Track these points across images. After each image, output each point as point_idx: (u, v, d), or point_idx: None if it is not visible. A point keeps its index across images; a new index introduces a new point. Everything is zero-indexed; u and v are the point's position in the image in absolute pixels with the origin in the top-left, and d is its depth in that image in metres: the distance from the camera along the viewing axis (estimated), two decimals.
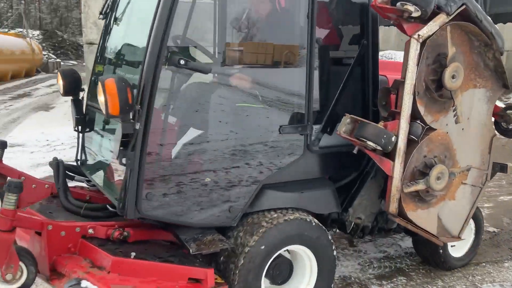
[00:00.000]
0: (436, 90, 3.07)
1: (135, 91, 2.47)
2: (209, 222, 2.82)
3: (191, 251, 2.59)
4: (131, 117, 2.41)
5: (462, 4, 3.00)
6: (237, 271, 2.75)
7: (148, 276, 2.55)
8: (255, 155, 2.94)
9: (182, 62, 2.52)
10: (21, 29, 29.86)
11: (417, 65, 2.92)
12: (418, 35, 2.88)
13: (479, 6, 3.14)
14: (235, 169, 2.88)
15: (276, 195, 2.99)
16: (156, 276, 2.57)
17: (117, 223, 2.76)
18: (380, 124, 2.96)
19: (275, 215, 2.90)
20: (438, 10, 2.92)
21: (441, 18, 2.95)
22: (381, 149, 2.90)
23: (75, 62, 31.45)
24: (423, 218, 3.33)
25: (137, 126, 2.44)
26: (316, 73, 3.03)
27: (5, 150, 3.20)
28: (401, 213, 3.19)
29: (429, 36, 2.92)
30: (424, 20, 2.90)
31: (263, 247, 2.80)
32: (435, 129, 3.19)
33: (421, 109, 3.07)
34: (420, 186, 3.15)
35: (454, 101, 3.14)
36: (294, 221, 2.91)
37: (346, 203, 3.32)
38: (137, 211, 2.57)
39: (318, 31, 2.99)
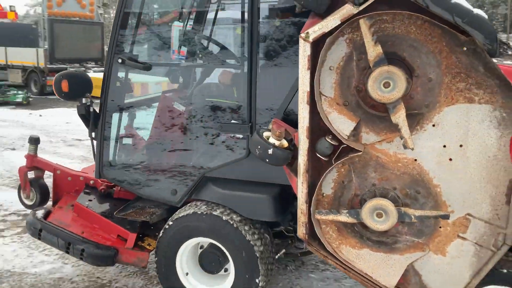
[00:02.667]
0: (370, 102, 2.34)
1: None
2: (155, 197, 3.28)
3: (114, 213, 3.20)
4: (83, 102, 3.20)
5: None
6: (158, 244, 3.15)
7: (93, 223, 3.35)
8: (202, 148, 3.13)
9: (119, 61, 3.07)
10: None
11: (309, 69, 2.33)
12: (307, 33, 2.28)
13: None
14: (181, 157, 3.19)
15: (211, 189, 3.08)
16: (97, 225, 3.33)
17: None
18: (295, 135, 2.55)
19: (196, 207, 3.04)
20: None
21: (345, 10, 2.21)
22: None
23: None
24: (371, 262, 2.60)
25: (91, 109, 3.21)
26: (260, 73, 2.85)
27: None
28: (330, 245, 2.63)
29: (328, 33, 2.26)
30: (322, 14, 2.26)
31: (174, 230, 3.05)
32: (388, 152, 2.41)
33: (347, 123, 2.41)
34: (342, 217, 2.52)
35: (391, 118, 2.27)
36: (204, 216, 2.96)
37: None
38: (100, 173, 3.36)
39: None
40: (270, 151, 2.49)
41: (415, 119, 2.35)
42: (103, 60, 18.76)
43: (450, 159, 2.35)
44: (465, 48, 2.19)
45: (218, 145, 3.10)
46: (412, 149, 2.37)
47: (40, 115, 11.93)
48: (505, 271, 2.55)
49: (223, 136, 3.08)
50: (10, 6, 20.40)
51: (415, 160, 2.41)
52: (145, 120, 3.50)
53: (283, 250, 3.35)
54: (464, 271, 2.48)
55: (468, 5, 2.09)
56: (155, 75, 3.54)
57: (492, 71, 2.18)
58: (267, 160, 2.52)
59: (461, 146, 2.32)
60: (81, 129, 6.42)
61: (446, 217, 2.40)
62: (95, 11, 19.48)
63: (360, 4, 2.17)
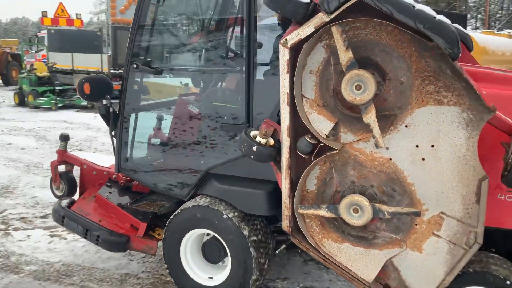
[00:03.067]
0: (347, 104, 2.49)
1: None
2: (166, 191, 3.56)
3: (128, 204, 3.52)
4: (104, 103, 3.55)
5: None
6: (164, 233, 3.42)
7: (110, 212, 3.68)
8: (207, 147, 3.39)
9: (134, 66, 3.40)
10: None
11: (288, 72, 2.51)
12: (285, 39, 2.47)
13: None
14: (188, 156, 3.46)
15: (213, 184, 3.32)
16: (114, 215, 3.66)
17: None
18: None
19: (198, 200, 3.29)
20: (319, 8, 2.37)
21: (318, 18, 2.37)
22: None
23: None
24: (351, 256, 2.74)
25: (111, 110, 3.56)
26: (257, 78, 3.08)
27: None
28: (313, 238, 2.79)
29: (304, 40, 2.44)
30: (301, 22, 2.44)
31: (180, 221, 3.32)
32: (366, 152, 2.56)
33: (326, 123, 2.57)
34: (321, 212, 2.67)
35: (363, 118, 2.41)
36: (202, 207, 3.21)
37: None
38: (119, 168, 3.70)
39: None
40: (254, 148, 2.70)
41: (389, 120, 2.48)
42: None
43: (423, 159, 2.46)
44: (428, 53, 2.31)
45: (219, 144, 3.34)
46: (387, 148, 2.50)
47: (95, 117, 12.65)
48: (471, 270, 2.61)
49: (225, 136, 3.32)
50: (77, 14, 21.71)
51: (390, 159, 2.54)
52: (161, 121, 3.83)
53: (284, 246, 3.52)
54: (439, 268, 2.56)
55: (431, 12, 2.21)
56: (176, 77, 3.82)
57: (458, 75, 2.28)
58: (252, 156, 2.73)
59: (432, 146, 2.43)
60: None
61: (417, 214, 2.50)
62: None
63: (332, 12, 2.35)
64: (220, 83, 3.96)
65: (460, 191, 2.41)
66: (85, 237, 3.60)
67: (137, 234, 3.50)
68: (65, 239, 4.53)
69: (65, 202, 3.81)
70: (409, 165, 2.50)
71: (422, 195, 2.51)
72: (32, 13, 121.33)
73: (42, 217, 5.09)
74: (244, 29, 3.04)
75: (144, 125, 3.76)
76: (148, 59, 3.49)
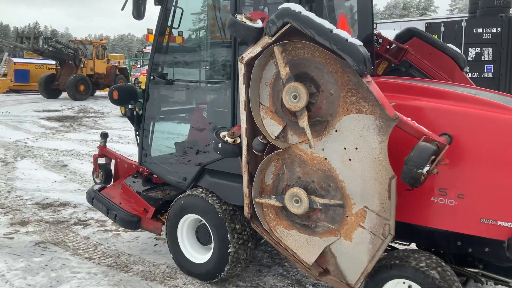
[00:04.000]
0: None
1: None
2: (174, 183, 4.25)
3: (141, 191, 4.27)
4: (129, 107, 4.35)
5: (285, 24, 2.78)
6: (167, 215, 4.10)
7: (130, 197, 4.45)
8: (204, 146, 4.04)
9: (151, 77, 4.16)
10: None
11: (244, 83, 3.06)
12: (241, 57, 3.03)
13: (315, 21, 2.69)
14: (189, 154, 4.13)
15: (206, 178, 3.94)
16: (132, 199, 4.42)
17: None
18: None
19: (192, 190, 3.93)
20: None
21: (264, 40, 2.91)
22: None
23: None
24: (297, 241, 3.20)
25: (134, 113, 4.35)
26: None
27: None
28: (268, 224, 3.29)
29: (255, 57, 2.98)
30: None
31: (176, 207, 3.98)
32: (307, 152, 3.03)
33: (276, 126, 3.08)
34: (272, 201, 3.18)
35: (299, 123, 2.89)
36: (193, 196, 3.83)
37: None
38: (140, 162, 4.47)
39: None
40: (219, 145, 3.29)
41: (323, 125, 2.94)
42: None
43: (350, 159, 2.88)
44: (351, 69, 2.75)
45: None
46: (323, 149, 2.96)
47: None
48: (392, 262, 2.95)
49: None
50: (179, 32, 23.86)
51: (326, 159, 2.98)
52: (173, 124, 4.57)
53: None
54: (363, 256, 2.94)
55: (345, 35, 2.67)
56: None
57: (366, 88, 2.70)
58: (218, 152, 3.33)
59: (356, 148, 2.84)
60: None
61: (341, 206, 2.93)
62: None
63: (273, 36, 2.89)
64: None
65: (377, 188, 2.80)
66: (106, 215, 4.41)
67: (146, 216, 4.22)
68: None
69: (96, 187, 4.67)
70: (340, 165, 2.93)
71: (351, 191, 2.92)
72: (137, 30, 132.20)
73: None
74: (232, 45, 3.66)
75: (161, 128, 4.51)
76: (164, 72, 4.24)
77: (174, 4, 4.16)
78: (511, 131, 2.75)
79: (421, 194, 3.03)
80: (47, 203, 6.18)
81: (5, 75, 27.31)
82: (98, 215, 5.56)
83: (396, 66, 4.52)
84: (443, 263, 2.96)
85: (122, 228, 5.03)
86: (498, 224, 2.82)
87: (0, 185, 6.92)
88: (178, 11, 4.18)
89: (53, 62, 24.30)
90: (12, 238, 4.95)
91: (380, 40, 4.51)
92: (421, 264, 2.89)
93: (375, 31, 4.54)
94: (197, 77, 4.46)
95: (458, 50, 4.30)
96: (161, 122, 4.53)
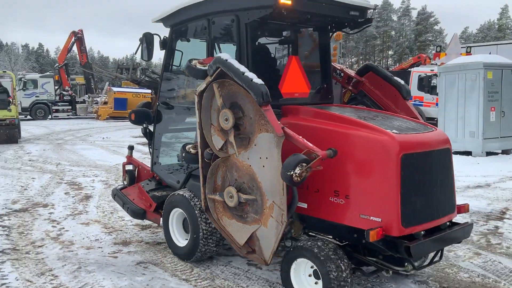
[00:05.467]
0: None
1: None
2: (172, 185, 5.47)
3: (148, 190, 5.55)
4: (144, 126, 5.68)
5: (217, 68, 3.90)
6: (162, 209, 5.33)
7: (141, 195, 5.74)
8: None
9: (158, 103, 5.47)
10: None
11: (198, 109, 4.20)
12: (195, 90, 4.18)
13: (234, 66, 3.78)
14: (182, 163, 5.36)
15: (190, 181, 5.11)
16: (143, 197, 5.72)
17: None
18: None
19: (179, 191, 5.12)
20: None
21: (207, 79, 4.04)
22: None
23: None
24: (234, 228, 4.27)
25: (147, 130, 5.68)
26: None
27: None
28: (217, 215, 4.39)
29: (203, 91, 4.12)
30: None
31: (168, 202, 5.19)
32: (239, 160, 4.11)
33: (219, 141, 4.18)
34: (217, 197, 4.27)
35: (229, 139, 3.98)
36: (178, 194, 5.01)
37: None
38: (151, 169, 5.78)
39: None
40: (183, 154, 4.48)
41: (247, 140, 4.00)
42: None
43: (263, 166, 3.91)
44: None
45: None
46: (248, 158, 4.01)
47: None
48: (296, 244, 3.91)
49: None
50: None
51: (250, 165, 4.04)
52: (174, 139, 5.84)
53: None
54: (272, 238, 3.93)
55: (251, 76, 3.75)
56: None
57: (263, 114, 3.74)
58: (183, 160, 4.51)
59: (266, 158, 3.87)
60: None
61: (253, 200, 3.95)
62: (337, 62, 21.73)
63: (212, 76, 4.05)
64: None
65: (278, 188, 3.79)
66: (122, 207, 5.76)
67: (150, 209, 5.49)
68: (261, 268, 4.92)
69: (119, 186, 6.07)
70: (258, 170, 3.97)
71: (265, 190, 3.94)
72: None
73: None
74: None
75: (167, 142, 5.79)
76: (168, 98, 5.54)
77: (175, 48, 5.45)
78: (371, 146, 3.64)
79: (323, 194, 3.97)
80: (146, 224, 6.51)
81: (105, 103, 30.67)
82: None
83: (355, 95, 5.42)
84: (336, 249, 3.84)
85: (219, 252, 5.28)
86: (371, 219, 3.67)
87: (104, 207, 7.63)
88: (178, 53, 5.46)
89: (149, 91, 26.23)
90: (116, 257, 5.34)
91: (342, 74, 5.45)
92: (315, 249, 3.81)
93: (338, 66, 5.49)
94: (189, 104, 5.65)
95: (402, 82, 5.09)
96: (166, 138, 5.82)
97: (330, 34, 5.15)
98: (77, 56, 39.12)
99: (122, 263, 5.11)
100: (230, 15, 4.52)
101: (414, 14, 76.95)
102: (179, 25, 5.25)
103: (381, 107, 5.13)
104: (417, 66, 21.98)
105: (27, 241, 5.84)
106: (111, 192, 6.14)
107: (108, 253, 5.44)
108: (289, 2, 4.07)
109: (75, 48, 34.68)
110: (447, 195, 4.01)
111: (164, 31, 5.44)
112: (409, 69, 21.23)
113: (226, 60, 3.92)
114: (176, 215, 5.23)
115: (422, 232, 3.74)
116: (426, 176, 3.81)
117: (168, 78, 5.63)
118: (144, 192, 5.75)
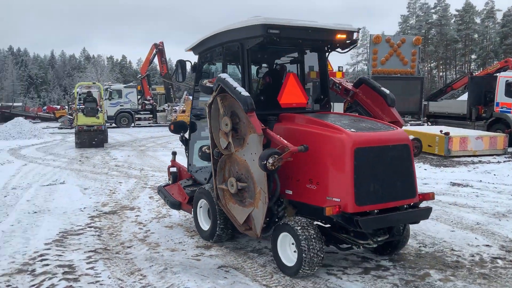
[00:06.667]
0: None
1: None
2: (202, 182, 6.68)
3: (184, 186, 6.83)
4: (181, 135, 6.98)
5: (218, 84, 5.07)
6: (193, 201, 6.55)
7: (179, 191, 7.01)
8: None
9: (191, 116, 6.76)
10: None
11: (209, 118, 5.38)
12: (206, 103, 5.38)
13: (229, 83, 4.91)
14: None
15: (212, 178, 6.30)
16: (180, 192, 6.98)
17: None
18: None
19: (204, 186, 6.31)
20: None
21: (213, 94, 5.23)
22: None
23: None
24: (237, 211, 5.38)
25: (183, 138, 6.98)
26: None
27: None
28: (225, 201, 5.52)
29: (211, 103, 5.30)
30: None
31: (196, 195, 6.39)
32: (238, 156, 5.23)
33: (224, 142, 5.34)
34: (223, 186, 5.42)
35: (229, 139, 5.11)
36: (203, 188, 6.20)
37: None
38: (187, 169, 7.06)
39: None
40: (199, 153, 5.73)
41: (243, 140, 5.13)
42: (420, 114, 21.09)
43: (253, 160, 5.00)
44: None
45: None
46: (244, 155, 5.13)
47: None
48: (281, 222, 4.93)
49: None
50: (339, 67, 21.75)
51: (245, 160, 5.15)
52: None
53: None
54: (260, 216, 5.00)
55: (240, 90, 4.88)
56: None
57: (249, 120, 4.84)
58: (200, 158, 5.74)
59: (255, 153, 4.96)
60: None
61: (248, 187, 5.04)
62: (416, 67, 21.21)
63: (215, 91, 5.24)
64: None
65: (262, 176, 4.86)
66: (163, 200, 7.09)
67: (184, 202, 6.75)
68: (341, 279, 4.92)
69: (163, 184, 7.42)
70: (251, 163, 5.07)
71: (256, 179, 5.03)
72: None
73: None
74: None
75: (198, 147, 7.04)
76: (198, 111, 6.81)
77: (201, 70, 6.74)
78: (333, 142, 4.60)
79: (302, 182, 4.97)
80: None
81: (183, 111, 31.40)
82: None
83: (351, 105, 6.34)
84: (314, 226, 4.79)
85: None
86: (333, 200, 4.61)
87: (185, 211, 7.36)
88: (205, 75, 6.75)
89: None
90: (199, 260, 5.53)
91: (340, 87, 6.39)
92: (296, 226, 4.79)
93: (337, 80, 6.45)
94: None
95: (388, 92, 5.92)
96: (198, 144, 7.09)
97: (327, 53, 6.16)
98: (157, 67, 40.36)
99: (204, 266, 5.28)
100: (236, 43, 5.71)
101: (499, 16, 72.71)
102: (204, 52, 6.54)
103: (370, 114, 5.99)
104: (504, 70, 20.32)
105: (117, 242, 6.25)
106: (157, 188, 7.52)
107: (192, 256, 5.65)
108: (277, 31, 5.17)
109: (155, 59, 35.26)
110: (404, 182, 4.82)
111: (194, 57, 6.77)
112: (496, 74, 20.04)
113: (224, 78, 5.11)
114: (203, 205, 6.43)
115: (376, 211, 4.60)
116: (380, 165, 4.68)
117: (197, 95, 6.93)
118: (181, 188, 7.04)
